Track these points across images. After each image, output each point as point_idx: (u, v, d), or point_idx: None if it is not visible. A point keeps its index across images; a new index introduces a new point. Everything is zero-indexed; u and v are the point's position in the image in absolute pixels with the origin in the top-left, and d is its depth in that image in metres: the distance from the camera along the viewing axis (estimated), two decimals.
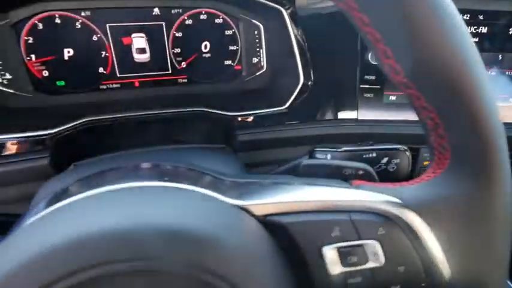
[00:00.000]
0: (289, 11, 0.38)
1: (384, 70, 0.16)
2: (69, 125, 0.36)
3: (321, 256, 0.18)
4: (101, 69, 0.40)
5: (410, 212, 0.18)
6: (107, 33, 0.39)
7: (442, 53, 0.14)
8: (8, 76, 0.38)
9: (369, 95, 0.37)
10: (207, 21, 0.41)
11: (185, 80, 0.43)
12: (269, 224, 0.18)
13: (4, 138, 0.34)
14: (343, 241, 0.18)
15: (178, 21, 0.40)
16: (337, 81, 0.40)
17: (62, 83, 0.40)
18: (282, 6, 0.37)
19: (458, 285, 0.17)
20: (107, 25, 0.39)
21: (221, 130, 0.40)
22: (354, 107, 0.39)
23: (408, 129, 0.38)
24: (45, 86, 0.39)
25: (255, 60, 0.44)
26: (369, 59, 0.38)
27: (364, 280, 0.18)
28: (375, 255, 0.18)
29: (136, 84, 0.42)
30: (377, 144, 0.32)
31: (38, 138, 0.35)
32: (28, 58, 0.38)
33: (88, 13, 0.38)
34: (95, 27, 0.38)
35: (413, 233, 0.18)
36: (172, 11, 0.40)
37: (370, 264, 0.18)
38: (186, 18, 0.41)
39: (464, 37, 0.14)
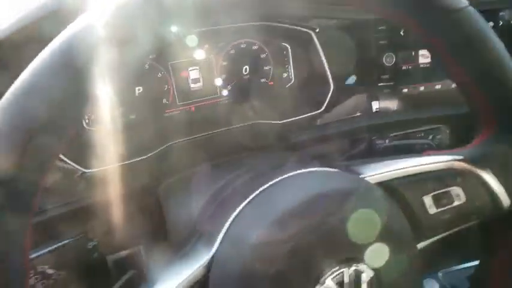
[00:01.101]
0: (317, 30, 0.47)
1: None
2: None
3: (422, 203, 0.27)
4: (164, 100, 0.47)
5: (473, 164, 0.28)
6: (169, 70, 0.46)
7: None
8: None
9: (387, 90, 0.48)
10: (246, 49, 0.50)
11: (231, 100, 0.51)
12: (387, 187, 0.27)
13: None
14: (435, 190, 0.27)
15: (224, 53, 0.49)
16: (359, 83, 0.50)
17: (133, 116, 0.47)
18: (313, 30, 0.47)
19: None
20: (169, 63, 0.46)
21: (275, 136, 0.48)
22: (375, 101, 0.49)
23: (422, 114, 0.49)
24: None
25: (284, 75, 0.53)
26: (383, 61, 0.48)
27: (452, 216, 0.27)
28: (458, 196, 0.27)
29: (193, 109, 0.50)
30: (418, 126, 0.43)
31: None
32: None
33: (154, 55, 0.45)
34: (159, 65, 0.46)
35: (481, 179, 0.27)
36: (219, 44, 0.48)
37: (456, 203, 0.27)
38: (230, 49, 0.49)
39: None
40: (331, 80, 0.49)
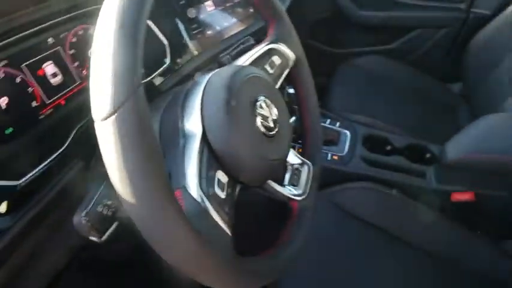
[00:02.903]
0: None
1: None
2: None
3: (264, 69, 0.48)
4: (34, 103, 0.47)
5: (277, 43, 0.50)
6: (25, 72, 0.46)
7: None
8: None
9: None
10: (85, 34, 0.54)
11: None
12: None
13: None
14: (265, 62, 0.49)
15: (67, 42, 0.51)
16: None
17: (10, 129, 0.45)
18: None
19: None
20: (22, 65, 0.46)
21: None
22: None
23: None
24: None
25: None
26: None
27: (278, 71, 0.50)
28: (278, 60, 0.50)
29: (63, 102, 0.51)
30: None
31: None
32: None
33: (6, 61, 0.44)
34: (14, 70, 0.45)
35: (282, 49, 0.51)
36: (61, 36, 0.51)
37: (277, 63, 0.51)
38: (71, 37, 0.52)
39: None
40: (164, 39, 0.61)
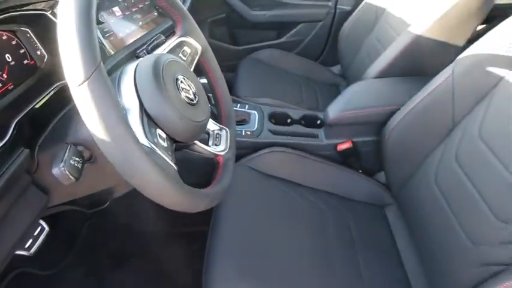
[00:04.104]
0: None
1: None
2: None
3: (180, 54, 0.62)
4: None
5: (185, 36, 0.64)
6: None
7: None
8: None
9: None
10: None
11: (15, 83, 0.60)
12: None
13: None
14: (182, 50, 0.62)
15: None
16: None
17: None
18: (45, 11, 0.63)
19: None
20: None
21: None
22: None
23: None
24: None
25: (38, 53, 0.66)
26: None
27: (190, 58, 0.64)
28: (188, 48, 0.64)
29: None
30: None
31: None
32: None
33: None
34: None
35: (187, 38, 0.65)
36: None
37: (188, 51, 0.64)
38: None
39: None
40: None
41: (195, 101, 0.53)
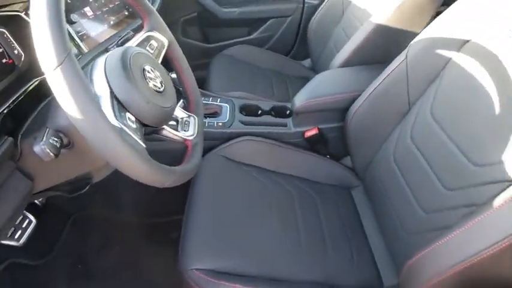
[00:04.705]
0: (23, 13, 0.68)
1: None
2: None
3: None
4: None
5: (152, 31, 0.69)
6: None
7: None
8: None
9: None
10: None
11: None
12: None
13: None
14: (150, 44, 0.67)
15: None
16: None
17: None
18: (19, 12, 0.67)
19: None
20: None
21: None
22: None
23: None
24: None
25: (15, 52, 0.70)
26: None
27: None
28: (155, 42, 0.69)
29: None
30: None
31: None
32: None
33: None
34: None
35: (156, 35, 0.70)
36: None
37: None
38: None
39: None
40: None
41: (161, 89, 0.58)
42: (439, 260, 0.59)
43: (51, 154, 0.48)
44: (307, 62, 1.77)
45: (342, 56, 1.18)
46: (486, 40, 0.69)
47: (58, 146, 0.49)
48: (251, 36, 1.78)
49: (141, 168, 0.47)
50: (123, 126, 0.48)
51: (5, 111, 0.58)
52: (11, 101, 0.61)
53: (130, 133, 0.49)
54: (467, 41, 0.73)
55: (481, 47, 0.69)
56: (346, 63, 1.17)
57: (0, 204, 0.57)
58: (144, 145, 0.51)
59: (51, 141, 0.48)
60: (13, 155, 0.57)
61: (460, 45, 0.74)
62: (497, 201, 0.54)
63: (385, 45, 1.13)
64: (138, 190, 1.15)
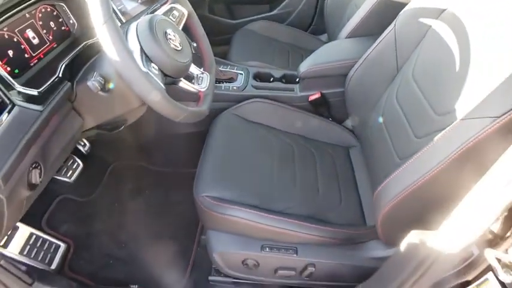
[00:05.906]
0: None
1: None
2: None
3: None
4: (26, 55, 0.75)
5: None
6: (18, 35, 0.74)
7: None
8: None
9: None
10: (46, 11, 0.82)
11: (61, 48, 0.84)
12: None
13: None
14: None
15: (37, 16, 0.79)
16: None
17: (17, 70, 0.73)
18: None
19: None
20: (15, 30, 0.74)
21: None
22: None
23: None
24: None
25: (71, 21, 0.89)
26: None
27: None
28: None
29: (42, 56, 0.79)
30: None
31: None
32: None
33: (6, 28, 0.72)
34: (12, 33, 0.73)
35: None
36: (32, 12, 0.78)
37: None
38: (39, 13, 0.80)
39: None
40: None
41: (179, 48, 0.75)
42: (397, 184, 0.73)
43: (98, 87, 0.66)
44: (324, 37, 1.87)
45: (348, 27, 1.29)
46: (458, 8, 0.79)
47: (103, 83, 0.67)
48: (272, 13, 1.90)
49: (160, 102, 0.65)
50: (148, 71, 0.66)
51: (65, 65, 0.78)
52: (68, 57, 0.80)
53: (154, 76, 0.66)
54: (444, 10, 0.83)
55: (454, 15, 0.79)
56: (352, 35, 1.28)
57: (60, 135, 0.77)
58: (164, 86, 0.68)
59: (98, 79, 0.67)
60: (70, 96, 0.76)
61: (438, 13, 0.84)
62: (437, 137, 0.68)
63: (389, 17, 1.22)
64: (166, 145, 1.36)
